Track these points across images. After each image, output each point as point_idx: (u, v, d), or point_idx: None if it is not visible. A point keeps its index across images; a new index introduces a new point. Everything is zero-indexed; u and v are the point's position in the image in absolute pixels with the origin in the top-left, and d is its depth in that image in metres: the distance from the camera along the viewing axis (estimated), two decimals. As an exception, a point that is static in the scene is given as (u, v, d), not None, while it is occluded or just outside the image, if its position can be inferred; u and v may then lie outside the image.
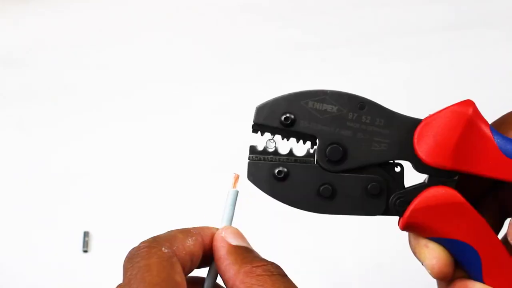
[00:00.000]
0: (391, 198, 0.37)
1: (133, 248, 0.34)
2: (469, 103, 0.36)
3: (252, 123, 0.38)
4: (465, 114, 0.36)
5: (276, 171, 0.38)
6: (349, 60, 0.87)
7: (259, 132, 0.38)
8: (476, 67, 0.84)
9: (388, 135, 0.37)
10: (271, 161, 0.38)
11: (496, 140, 0.36)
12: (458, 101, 0.38)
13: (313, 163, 0.37)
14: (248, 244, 0.36)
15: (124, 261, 0.34)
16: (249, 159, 0.38)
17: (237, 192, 0.38)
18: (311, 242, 0.67)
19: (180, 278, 0.32)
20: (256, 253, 0.35)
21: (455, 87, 0.83)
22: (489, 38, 0.88)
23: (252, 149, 0.38)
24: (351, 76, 0.85)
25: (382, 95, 0.82)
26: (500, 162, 0.36)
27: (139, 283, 0.32)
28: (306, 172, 0.37)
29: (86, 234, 0.70)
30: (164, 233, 0.35)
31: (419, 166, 0.37)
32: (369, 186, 0.37)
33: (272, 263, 0.34)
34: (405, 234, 0.40)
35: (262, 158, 0.38)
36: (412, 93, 0.83)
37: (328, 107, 0.37)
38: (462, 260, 0.38)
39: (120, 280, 0.34)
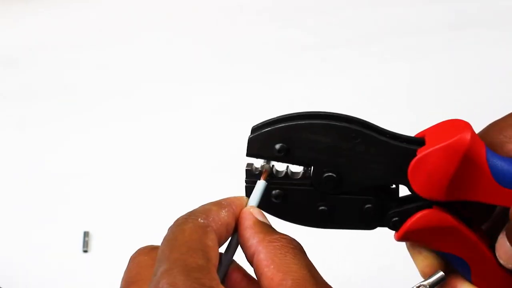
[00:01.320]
0: (387, 215, 0.38)
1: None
2: (464, 136, 0.35)
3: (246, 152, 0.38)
4: (460, 151, 0.35)
5: (274, 193, 0.38)
6: (349, 60, 0.87)
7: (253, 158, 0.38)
8: (476, 67, 0.84)
9: (383, 163, 0.37)
10: (268, 184, 0.38)
11: (491, 165, 0.36)
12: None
13: (309, 185, 0.38)
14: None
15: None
16: (246, 183, 0.39)
17: (265, 184, 0.38)
18: (311, 244, 0.67)
19: (212, 243, 0.34)
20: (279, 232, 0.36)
21: (455, 87, 0.83)
22: (489, 38, 0.88)
23: (248, 173, 0.39)
24: (351, 76, 0.85)
25: (382, 95, 0.82)
26: (493, 190, 0.36)
27: (171, 241, 0.34)
28: (303, 194, 0.38)
29: (86, 234, 0.70)
30: (199, 207, 0.37)
31: (414, 193, 0.37)
32: (364, 207, 0.38)
33: (295, 240, 0.35)
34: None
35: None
36: (412, 93, 0.83)
37: (322, 138, 0.37)
38: (453, 265, 0.39)
39: (120, 280, 0.34)
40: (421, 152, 0.36)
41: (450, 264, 0.39)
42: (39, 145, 0.79)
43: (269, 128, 0.37)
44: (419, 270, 0.39)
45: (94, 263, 0.70)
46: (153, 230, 0.70)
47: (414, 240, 0.38)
